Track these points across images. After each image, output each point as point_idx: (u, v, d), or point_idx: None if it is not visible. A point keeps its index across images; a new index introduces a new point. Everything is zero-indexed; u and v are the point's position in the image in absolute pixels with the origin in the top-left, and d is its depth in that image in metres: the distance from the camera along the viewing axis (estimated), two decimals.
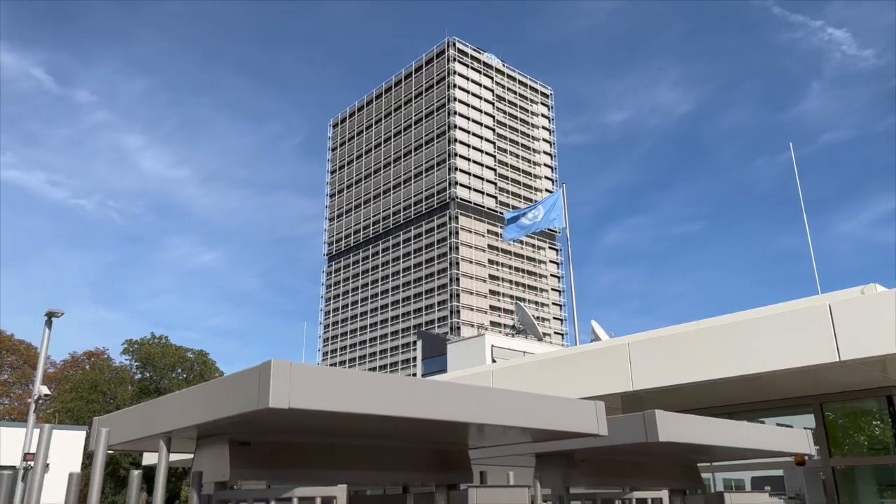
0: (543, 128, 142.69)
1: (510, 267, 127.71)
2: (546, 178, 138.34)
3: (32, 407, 17.44)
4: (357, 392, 2.79)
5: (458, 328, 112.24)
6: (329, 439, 3.53)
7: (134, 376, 54.80)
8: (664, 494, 4.62)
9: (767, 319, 8.13)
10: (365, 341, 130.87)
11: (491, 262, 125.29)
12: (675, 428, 4.16)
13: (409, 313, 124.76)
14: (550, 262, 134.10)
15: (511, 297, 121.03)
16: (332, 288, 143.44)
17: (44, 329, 17.93)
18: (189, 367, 54.49)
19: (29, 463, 15.44)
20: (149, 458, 11.66)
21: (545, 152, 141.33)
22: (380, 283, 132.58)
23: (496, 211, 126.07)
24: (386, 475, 3.81)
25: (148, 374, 54.14)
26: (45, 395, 17.78)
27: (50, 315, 17.58)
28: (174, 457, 3.49)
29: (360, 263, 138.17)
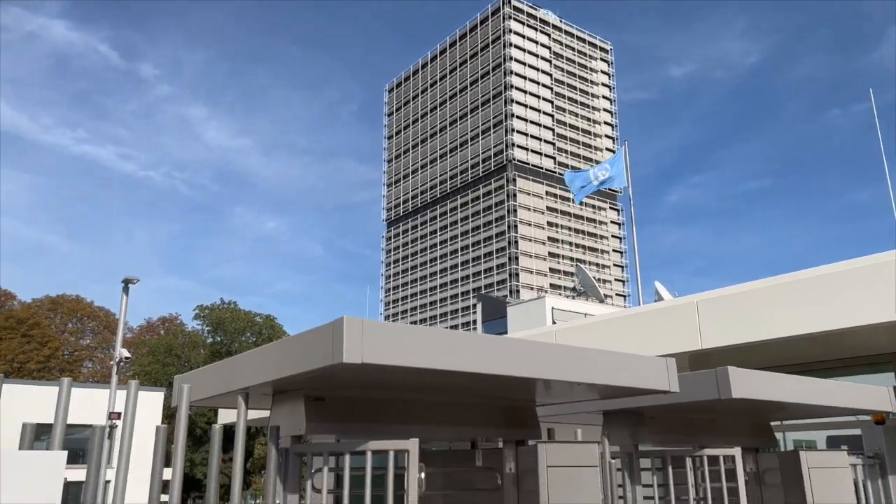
0: (603, 84, 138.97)
1: (570, 229, 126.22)
2: (606, 136, 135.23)
3: (114, 369, 18.42)
4: (427, 348, 2.82)
5: (518, 291, 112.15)
6: (399, 395, 3.59)
7: (206, 340, 57.08)
8: (736, 452, 4.54)
9: (844, 274, 7.80)
10: (425, 305, 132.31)
11: (550, 224, 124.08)
12: (748, 384, 4.06)
13: (468, 277, 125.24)
14: (612, 222, 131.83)
15: (571, 259, 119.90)
16: (392, 253, 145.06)
17: (121, 295, 18.82)
18: (258, 332, 56.36)
19: (114, 421, 16.38)
20: (223, 418, 12.16)
21: (605, 110, 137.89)
22: (438, 247, 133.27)
23: (555, 172, 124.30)
24: (455, 430, 3.86)
25: (219, 339, 56.31)
26: (126, 358, 18.77)
27: (126, 282, 18.44)
28: (250, 414, 3.62)
29: (419, 228, 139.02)
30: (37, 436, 2.84)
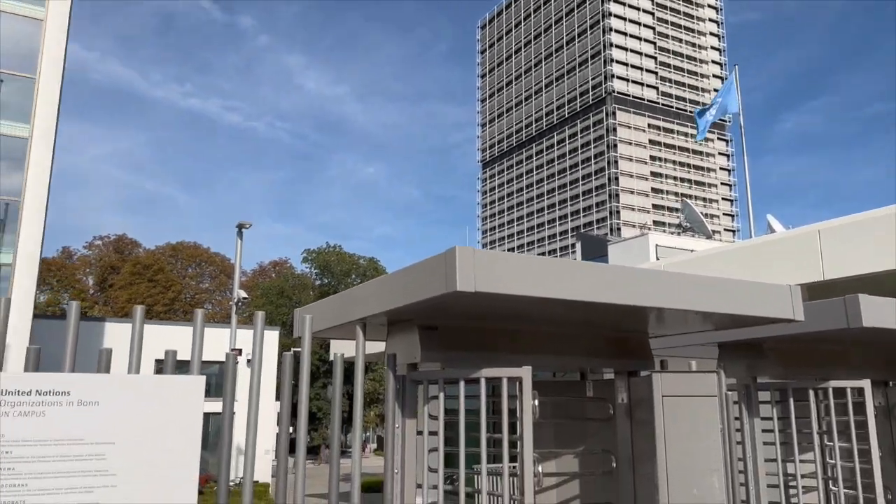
0: (709, 6, 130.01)
1: (674, 162, 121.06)
2: (714, 62, 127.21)
3: (234, 309, 19.64)
4: (539, 276, 2.81)
5: (619, 229, 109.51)
6: (510, 325, 3.62)
7: (314, 282, 59.67)
8: (865, 384, 4.31)
9: None
10: (523, 245, 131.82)
11: (653, 158, 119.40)
12: (880, 313, 3.81)
13: (566, 216, 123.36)
14: (720, 154, 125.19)
15: (676, 194, 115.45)
16: (488, 194, 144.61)
17: (236, 239, 19.91)
18: (361, 273, 58.29)
19: (236, 356, 17.56)
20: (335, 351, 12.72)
21: (712, 34, 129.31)
22: (535, 186, 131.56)
23: (657, 103, 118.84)
24: (566, 360, 3.87)
25: (326, 281, 58.72)
26: (244, 298, 19.99)
27: (240, 226, 19.46)
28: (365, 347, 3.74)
29: (515, 168, 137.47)
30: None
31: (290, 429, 3.14)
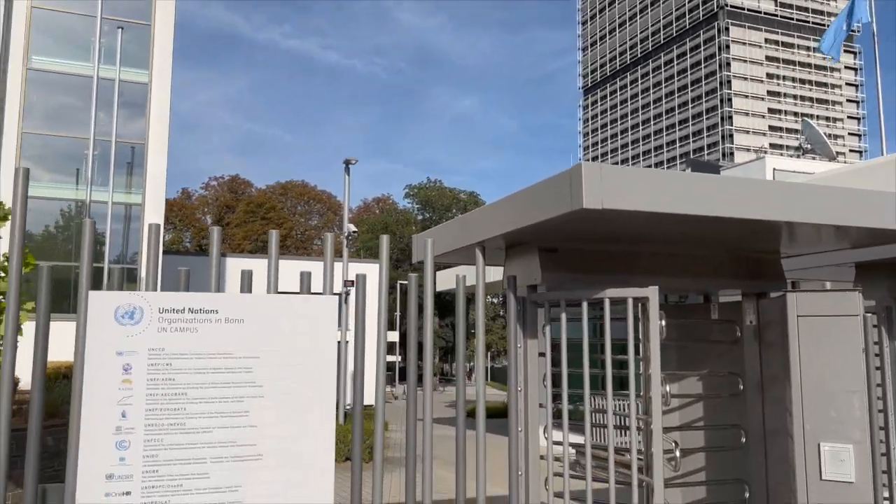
0: None
1: (794, 80, 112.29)
2: None
3: (344, 243, 20.36)
4: (670, 191, 2.71)
5: (731, 154, 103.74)
6: (633, 246, 3.55)
7: (416, 217, 60.69)
8: None
9: None
10: None
11: (770, 76, 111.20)
12: None
13: (674, 141, 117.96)
14: (846, 68, 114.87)
15: (795, 114, 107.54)
16: (590, 122, 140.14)
17: (344, 175, 20.46)
18: (462, 208, 58.65)
19: (348, 288, 18.33)
20: (442, 285, 12.93)
21: None
22: (640, 111, 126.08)
23: (775, 16, 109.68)
24: (692, 282, 3.76)
25: (427, 215, 59.58)
26: (353, 232, 20.71)
27: (347, 162, 19.97)
28: (467, 280, 3.75)
29: (619, 93, 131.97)
30: None
31: (400, 357, 3.23)
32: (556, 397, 3.33)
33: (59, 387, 10.73)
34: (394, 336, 30.24)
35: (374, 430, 2.90)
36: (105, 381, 2.48)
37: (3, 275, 5.94)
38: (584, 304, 3.16)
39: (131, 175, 22.00)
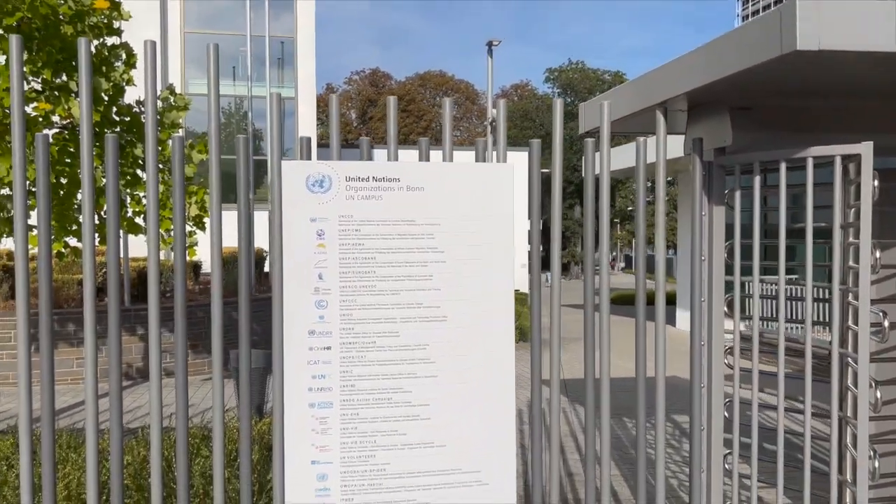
0: None
1: None
2: None
3: (489, 129, 20.18)
4: None
5: None
6: (838, 101, 3.15)
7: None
8: None
9: None
10: None
11: None
12: None
13: None
14: None
15: None
16: None
17: (486, 58, 20.01)
18: (607, 89, 55.94)
19: None
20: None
21: None
22: None
23: None
24: None
25: (569, 100, 57.46)
26: None
27: (489, 44, 19.46)
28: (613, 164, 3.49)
29: None
30: None
31: (541, 247, 3.13)
32: (744, 271, 3.14)
33: (236, 268, 11.79)
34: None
35: (531, 313, 2.91)
36: (302, 245, 2.62)
37: (187, 162, 6.43)
38: (783, 166, 2.88)
39: (283, 69, 22.81)
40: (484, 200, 2.78)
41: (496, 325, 2.76)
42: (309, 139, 2.85)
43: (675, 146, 3.53)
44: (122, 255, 10.99)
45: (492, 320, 2.75)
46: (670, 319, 2.91)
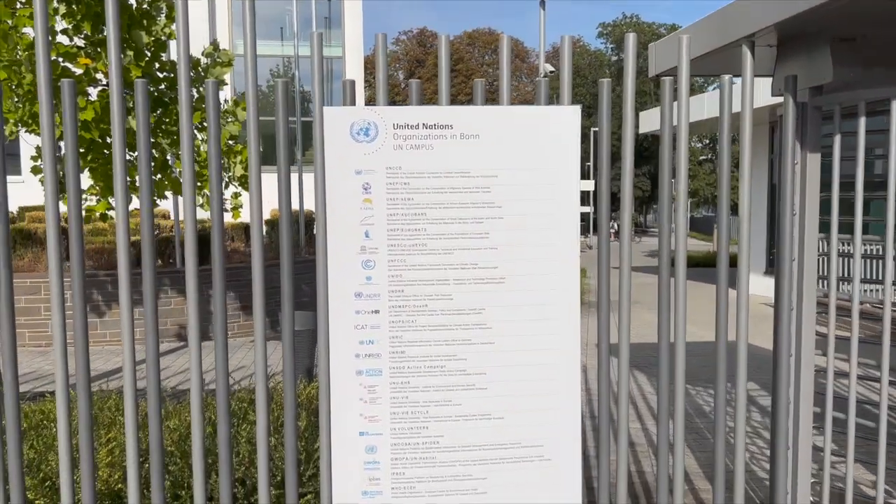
0: None
1: None
2: None
3: (541, 84, 19.58)
4: None
5: None
6: None
7: (610, 58, 56.96)
8: None
9: None
10: None
11: None
12: None
13: None
14: None
15: None
16: None
17: (539, 10, 19.32)
18: None
19: None
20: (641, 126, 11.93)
21: None
22: None
23: None
24: None
25: (622, 56, 55.63)
26: (551, 72, 19.80)
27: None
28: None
29: None
30: None
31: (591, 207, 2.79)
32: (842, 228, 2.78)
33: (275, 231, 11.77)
34: (588, 186, 29.34)
35: (598, 274, 2.61)
36: (347, 200, 2.38)
37: (232, 119, 6.27)
38: (895, 105, 2.49)
39: (330, 28, 22.51)
40: (547, 149, 2.49)
41: (559, 287, 2.49)
42: (353, 82, 2.59)
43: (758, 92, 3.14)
44: (174, 217, 11.02)
45: (554, 282, 2.48)
46: (733, 283, 2.70)
